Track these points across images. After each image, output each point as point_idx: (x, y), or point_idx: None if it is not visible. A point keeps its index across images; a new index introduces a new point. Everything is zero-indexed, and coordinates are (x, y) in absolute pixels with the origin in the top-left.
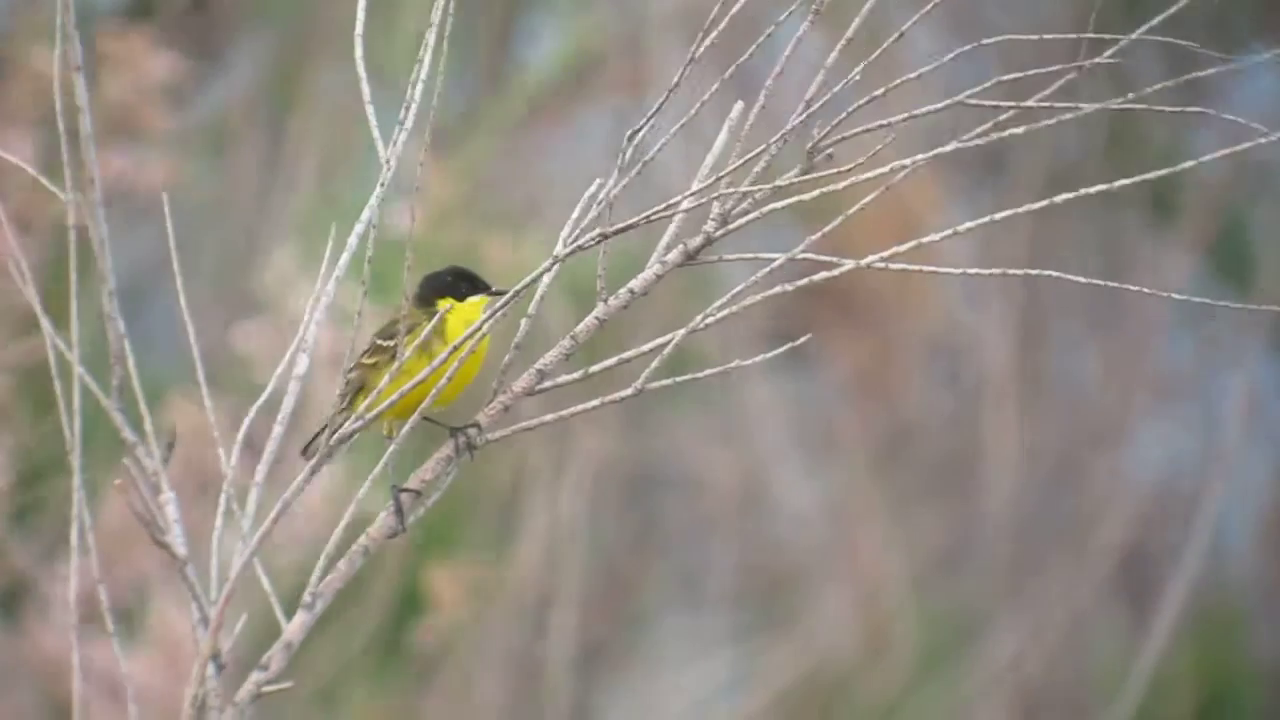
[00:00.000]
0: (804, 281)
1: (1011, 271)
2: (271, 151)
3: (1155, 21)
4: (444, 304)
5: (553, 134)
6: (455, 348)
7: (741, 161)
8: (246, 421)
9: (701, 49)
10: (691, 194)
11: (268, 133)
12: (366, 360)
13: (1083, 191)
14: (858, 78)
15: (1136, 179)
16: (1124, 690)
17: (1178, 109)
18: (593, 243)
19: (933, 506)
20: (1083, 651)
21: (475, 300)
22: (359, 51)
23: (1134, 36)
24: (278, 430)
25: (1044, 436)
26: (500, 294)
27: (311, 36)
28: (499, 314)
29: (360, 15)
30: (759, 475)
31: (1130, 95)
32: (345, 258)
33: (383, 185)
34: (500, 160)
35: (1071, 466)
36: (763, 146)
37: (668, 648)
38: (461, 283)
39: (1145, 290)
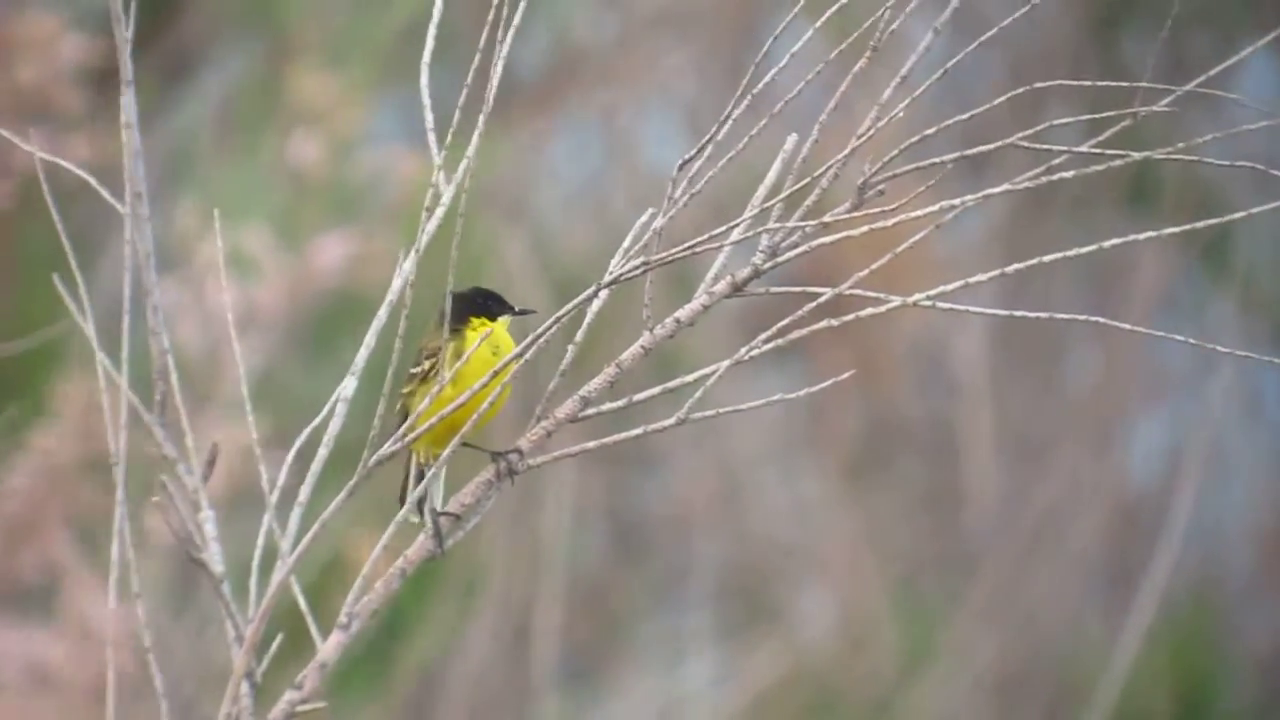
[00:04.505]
0: (850, 317)
1: (1058, 316)
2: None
3: (1211, 74)
4: (479, 325)
5: (542, 129)
6: (495, 374)
7: (788, 191)
8: (297, 443)
9: (747, 89)
10: (741, 222)
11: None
12: (404, 390)
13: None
14: (901, 114)
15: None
16: (1104, 683)
17: (1224, 164)
18: (637, 272)
19: (915, 505)
20: (1066, 648)
21: (505, 319)
22: (424, 79)
23: (1186, 88)
24: (323, 453)
25: (1028, 434)
26: (525, 313)
27: (289, 41)
28: (540, 340)
29: (429, 44)
30: (739, 475)
31: (1180, 144)
32: (398, 284)
33: (428, 211)
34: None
35: (1057, 464)
36: (807, 179)
37: (653, 650)
38: (490, 302)
39: (1190, 341)
